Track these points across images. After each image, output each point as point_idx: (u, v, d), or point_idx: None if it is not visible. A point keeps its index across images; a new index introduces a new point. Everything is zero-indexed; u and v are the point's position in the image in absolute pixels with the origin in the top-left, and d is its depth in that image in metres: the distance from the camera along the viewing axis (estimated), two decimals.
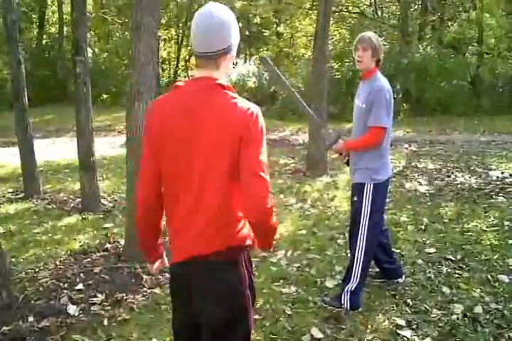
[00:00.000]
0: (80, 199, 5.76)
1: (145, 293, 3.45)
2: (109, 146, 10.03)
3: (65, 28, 18.69)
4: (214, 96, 1.64)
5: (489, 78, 13.79)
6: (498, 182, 6.34)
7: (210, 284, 1.69)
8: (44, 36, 19.41)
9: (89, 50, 21.40)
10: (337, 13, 20.92)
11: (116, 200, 5.86)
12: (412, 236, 4.34)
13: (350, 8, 17.29)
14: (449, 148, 9.22)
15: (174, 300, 1.87)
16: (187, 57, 21.00)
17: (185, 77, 20.95)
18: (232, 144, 1.61)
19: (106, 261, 3.94)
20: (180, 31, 19.94)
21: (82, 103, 5.19)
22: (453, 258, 3.84)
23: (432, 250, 4.01)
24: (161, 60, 20.49)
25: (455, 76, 13.60)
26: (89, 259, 4.00)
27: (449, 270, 3.67)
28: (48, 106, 15.76)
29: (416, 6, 15.59)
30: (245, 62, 21.97)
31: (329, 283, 3.55)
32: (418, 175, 6.89)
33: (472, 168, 7.37)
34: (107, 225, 4.91)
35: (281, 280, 3.64)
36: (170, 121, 1.66)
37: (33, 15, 19.30)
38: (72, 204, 5.66)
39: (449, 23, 15.55)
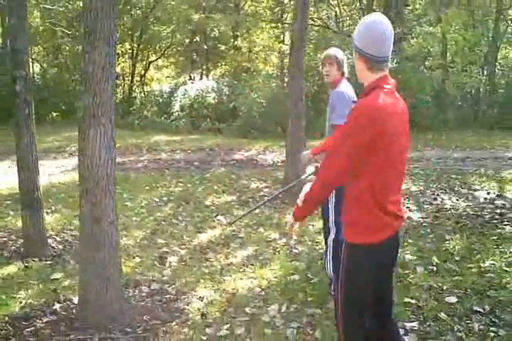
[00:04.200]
0: (21, 241, 4.84)
1: None
2: (58, 170, 9.04)
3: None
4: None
5: (454, 92, 13.66)
6: (491, 206, 5.88)
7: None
8: None
9: (37, 65, 20.24)
10: None
11: (67, 240, 4.96)
12: (424, 280, 3.69)
13: (313, 21, 16.92)
14: (425, 166, 8.79)
15: (380, 275, 2.15)
16: (142, 72, 20.12)
17: (140, 92, 20.03)
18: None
19: (54, 330, 3.08)
20: (135, 45, 19.06)
21: (24, 127, 4.32)
22: (481, 310, 3.21)
23: (454, 299, 3.37)
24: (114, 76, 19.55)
25: (419, 90, 13.37)
26: (31, 328, 3.12)
27: (481, 326, 3.03)
28: None
29: None
30: (201, 78, 21.31)
31: None
32: (403, 199, 6.33)
33: (456, 189, 6.94)
34: (55, 276, 4.02)
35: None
36: (393, 120, 1.98)
37: None
38: (12, 248, 4.72)
39: (410, 37, 15.45)
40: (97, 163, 3.02)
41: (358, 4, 17.01)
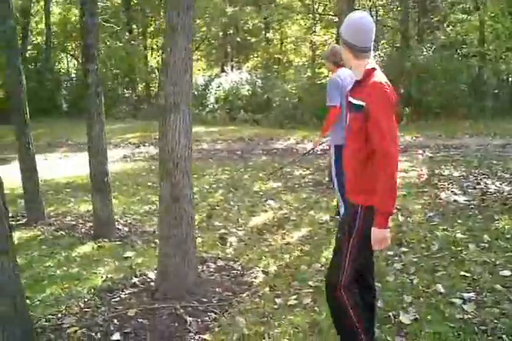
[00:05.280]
0: (90, 224, 5.20)
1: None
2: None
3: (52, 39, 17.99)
4: None
5: (491, 80, 13.54)
6: None
7: None
8: (29, 47, 18.68)
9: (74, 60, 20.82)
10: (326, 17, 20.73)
11: (130, 223, 5.31)
12: (477, 255, 3.87)
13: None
14: (466, 153, 8.85)
15: None
16: None
17: None
18: None
19: (138, 300, 3.40)
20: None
21: (95, 117, 4.65)
22: None
23: (507, 273, 3.54)
24: (149, 70, 19.97)
25: (457, 78, 13.30)
26: (117, 299, 3.45)
27: None
28: (35, 119, 15.05)
29: (415, 8, 15.28)
30: (232, 70, 21.54)
31: (405, 319, 3.05)
32: (448, 184, 6.45)
33: (499, 174, 6.99)
34: (127, 254, 4.37)
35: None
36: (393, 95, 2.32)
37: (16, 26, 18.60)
38: (83, 230, 5.10)
39: (446, 25, 15.33)
40: (177, 146, 3.30)
41: None
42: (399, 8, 15.93)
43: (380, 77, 2.32)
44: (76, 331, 2.98)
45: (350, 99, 2.39)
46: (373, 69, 2.35)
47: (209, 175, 7.81)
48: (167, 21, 3.21)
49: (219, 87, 19.07)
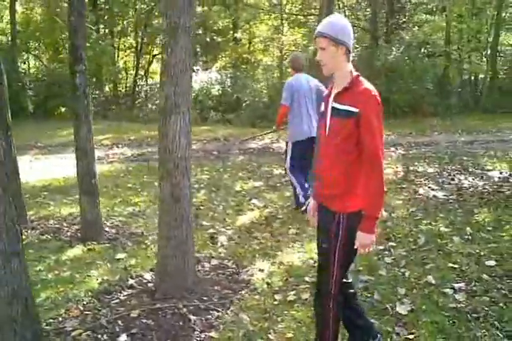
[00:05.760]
0: (76, 227, 5.15)
1: (200, 339, 2.96)
2: None
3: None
4: None
5: (456, 79, 14.00)
6: (507, 183, 6.24)
7: None
8: None
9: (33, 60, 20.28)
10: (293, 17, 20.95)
11: (117, 225, 5.27)
12: (462, 247, 4.06)
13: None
14: (437, 150, 9.16)
15: None
16: (146, 66, 20.29)
17: (144, 86, 20.23)
18: None
19: (139, 301, 3.40)
20: (139, 39, 19.20)
21: (82, 118, 4.61)
22: None
23: (492, 263, 3.73)
24: (116, 70, 19.68)
25: (424, 77, 13.70)
26: (117, 301, 3.45)
27: None
28: None
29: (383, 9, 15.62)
30: (202, 69, 21.49)
31: (401, 309, 3.18)
32: (424, 180, 6.68)
33: (470, 170, 7.27)
34: (119, 256, 4.35)
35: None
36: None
37: None
38: (68, 233, 5.03)
39: (411, 25, 15.74)
40: (177, 146, 3.33)
41: None
42: (367, 9, 16.25)
43: (368, 83, 2.35)
44: (81, 334, 2.97)
45: (336, 104, 2.35)
46: (358, 75, 2.36)
47: None
48: (167, 21, 3.21)
49: None
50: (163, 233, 3.50)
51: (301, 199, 5.23)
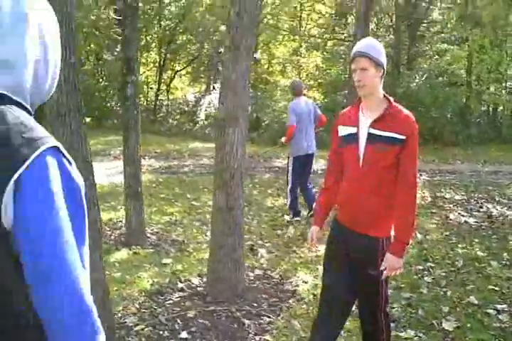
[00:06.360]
0: (118, 231, 5.32)
1: None
2: (114, 171, 9.50)
3: None
4: None
5: (477, 109, 14.21)
6: None
7: None
8: None
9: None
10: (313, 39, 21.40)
11: (158, 232, 5.43)
12: (500, 271, 4.18)
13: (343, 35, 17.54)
14: (461, 178, 9.27)
15: None
16: (168, 81, 20.70)
17: (166, 100, 20.61)
18: None
19: (192, 303, 3.54)
20: (163, 55, 19.66)
21: (132, 127, 4.82)
22: None
23: None
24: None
25: (445, 106, 13.92)
26: (170, 301, 3.59)
27: None
28: None
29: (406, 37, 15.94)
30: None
31: (447, 326, 3.30)
32: (453, 206, 6.81)
33: (497, 199, 7.39)
34: (165, 261, 4.50)
35: (391, 324, 3.35)
36: None
37: None
38: (112, 237, 5.20)
39: (432, 54, 16.03)
40: (234, 157, 3.51)
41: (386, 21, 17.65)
42: (391, 36, 16.57)
43: (405, 109, 2.33)
44: (143, 329, 3.11)
45: (375, 131, 2.27)
46: (394, 100, 2.34)
47: None
48: (230, 39, 3.43)
49: (210, 104, 19.39)
50: (216, 240, 3.65)
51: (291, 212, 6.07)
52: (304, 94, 6.34)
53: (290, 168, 6.09)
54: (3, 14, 1.02)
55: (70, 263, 0.92)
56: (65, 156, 0.98)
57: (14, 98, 1.01)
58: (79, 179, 1.00)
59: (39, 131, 0.98)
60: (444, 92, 14.10)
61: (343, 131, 2.41)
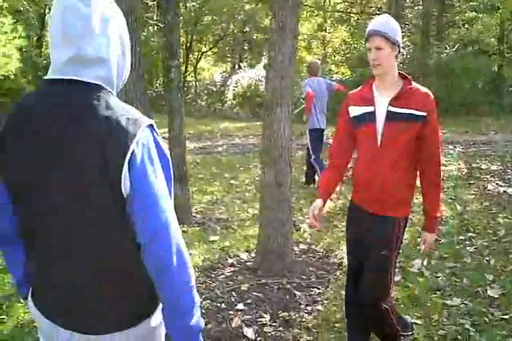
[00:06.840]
0: None
1: (307, 311, 3.26)
2: None
3: None
4: None
5: (511, 77, 13.88)
6: None
7: None
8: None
9: None
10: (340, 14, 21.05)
11: (202, 211, 5.64)
12: None
13: (372, 8, 17.23)
14: (496, 149, 9.18)
15: None
16: (195, 63, 20.80)
17: (193, 82, 20.75)
18: None
19: (244, 277, 3.74)
20: (189, 36, 19.70)
21: (176, 111, 4.98)
22: None
23: None
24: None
25: (478, 76, 13.64)
26: (223, 276, 3.79)
27: None
28: None
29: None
30: (246, 66, 21.81)
31: (493, 293, 3.40)
32: (490, 177, 6.81)
33: None
34: (212, 238, 4.69)
35: (437, 292, 3.49)
36: None
37: None
38: None
39: (462, 23, 15.62)
40: (282, 135, 3.64)
41: None
42: (417, 7, 16.21)
43: (421, 86, 2.34)
44: (201, 301, 3.31)
45: (394, 108, 2.26)
46: (411, 78, 2.34)
47: (254, 167, 8.14)
48: (276, 21, 3.52)
49: (237, 83, 19.42)
50: (266, 215, 3.81)
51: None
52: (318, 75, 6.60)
53: (308, 140, 6.64)
54: (95, 18, 1.19)
55: (169, 214, 1.22)
56: (156, 132, 1.25)
57: (108, 88, 1.23)
58: (167, 150, 1.28)
59: (135, 112, 1.24)
60: (476, 62, 13.80)
61: (356, 111, 2.38)
